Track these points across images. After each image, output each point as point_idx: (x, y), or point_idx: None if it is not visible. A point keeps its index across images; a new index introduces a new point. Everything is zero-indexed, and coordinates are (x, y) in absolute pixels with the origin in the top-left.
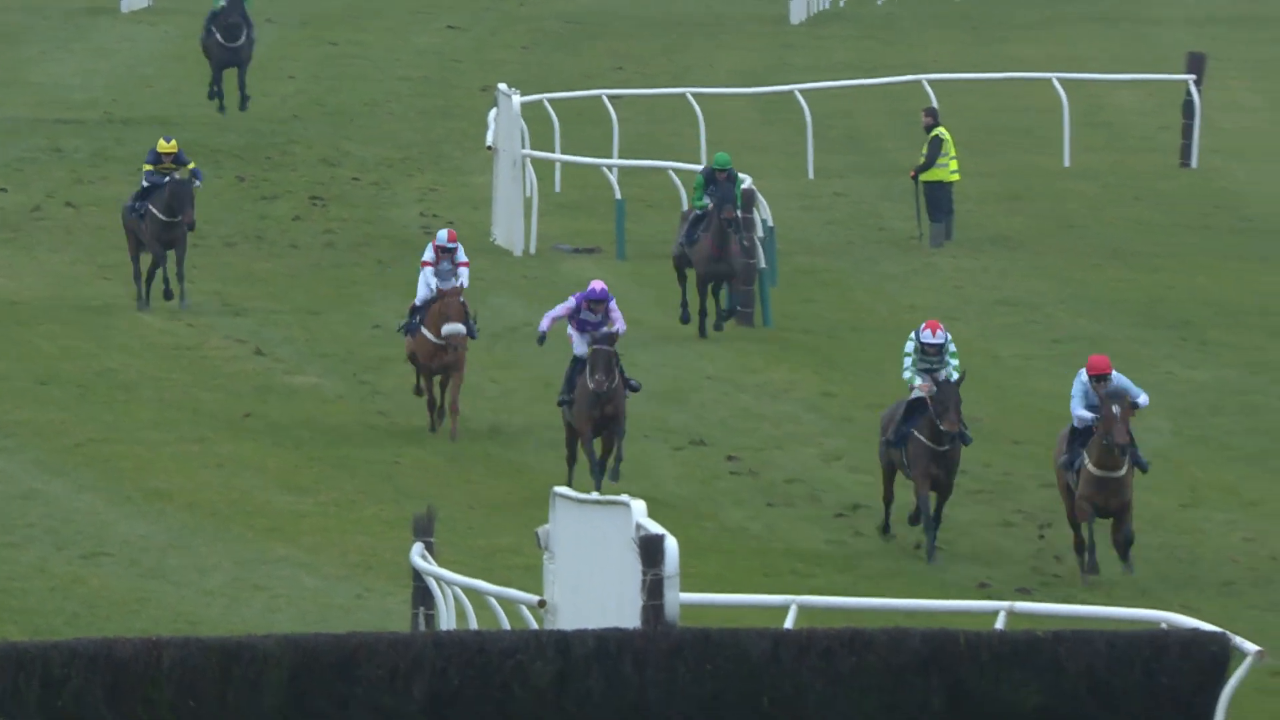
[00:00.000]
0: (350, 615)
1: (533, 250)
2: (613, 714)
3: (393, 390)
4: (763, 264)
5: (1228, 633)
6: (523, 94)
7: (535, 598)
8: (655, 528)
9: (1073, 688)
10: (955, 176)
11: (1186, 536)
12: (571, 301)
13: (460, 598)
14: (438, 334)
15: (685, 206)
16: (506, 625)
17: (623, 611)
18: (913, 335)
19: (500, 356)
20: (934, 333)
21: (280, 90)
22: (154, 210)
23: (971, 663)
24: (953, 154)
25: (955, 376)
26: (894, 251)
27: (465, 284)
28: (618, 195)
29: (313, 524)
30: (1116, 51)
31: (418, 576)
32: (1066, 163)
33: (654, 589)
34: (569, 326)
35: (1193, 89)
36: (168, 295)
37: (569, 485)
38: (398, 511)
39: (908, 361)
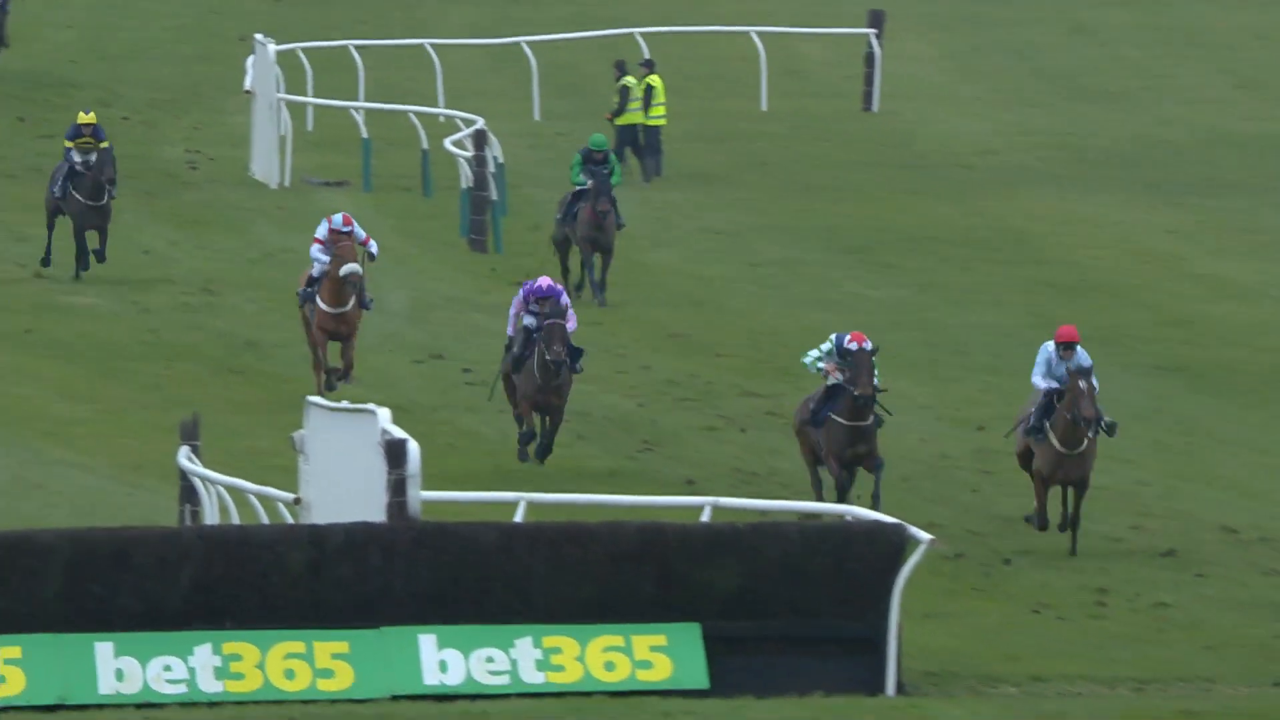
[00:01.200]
0: (122, 511)
1: (287, 183)
2: (361, 598)
3: (160, 309)
4: (494, 196)
5: (904, 523)
6: (276, 43)
7: (291, 495)
8: (399, 432)
9: (769, 572)
10: (660, 121)
11: None
12: (520, 293)
13: (223, 495)
14: (333, 303)
15: (425, 145)
16: (265, 520)
17: (370, 507)
18: (832, 337)
19: (258, 276)
20: (859, 344)
21: (59, 38)
22: (76, 195)
23: (679, 551)
24: (661, 99)
25: (870, 345)
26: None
27: (375, 253)
28: (364, 134)
29: (87, 429)
30: (806, 8)
31: (184, 476)
32: (763, 107)
33: (398, 487)
34: (526, 319)
35: (873, 42)
36: (97, 260)
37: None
38: (165, 418)
39: (815, 354)
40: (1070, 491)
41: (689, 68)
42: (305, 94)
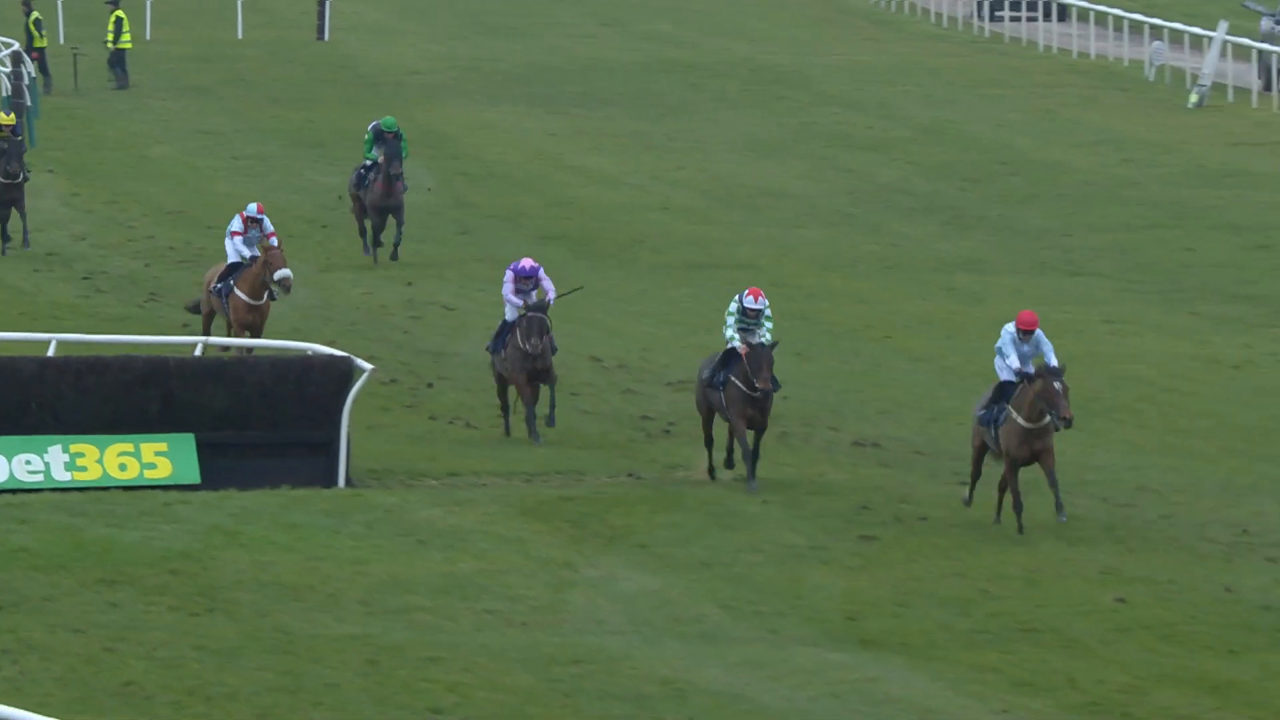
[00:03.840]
0: None
1: None
2: None
3: None
4: (29, 103)
5: (351, 356)
6: None
7: None
8: None
9: (248, 394)
10: (128, 45)
11: None
12: (509, 274)
13: None
14: (252, 295)
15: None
16: None
17: None
18: (736, 298)
19: None
20: (755, 299)
21: None
22: None
23: (178, 378)
24: (128, 29)
25: (768, 340)
26: (126, 96)
27: (275, 241)
28: None
29: None
30: None
31: None
32: (239, 35)
33: None
34: (514, 299)
35: None
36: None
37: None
38: None
39: (730, 320)
40: (1040, 471)
41: (180, 3)
42: None
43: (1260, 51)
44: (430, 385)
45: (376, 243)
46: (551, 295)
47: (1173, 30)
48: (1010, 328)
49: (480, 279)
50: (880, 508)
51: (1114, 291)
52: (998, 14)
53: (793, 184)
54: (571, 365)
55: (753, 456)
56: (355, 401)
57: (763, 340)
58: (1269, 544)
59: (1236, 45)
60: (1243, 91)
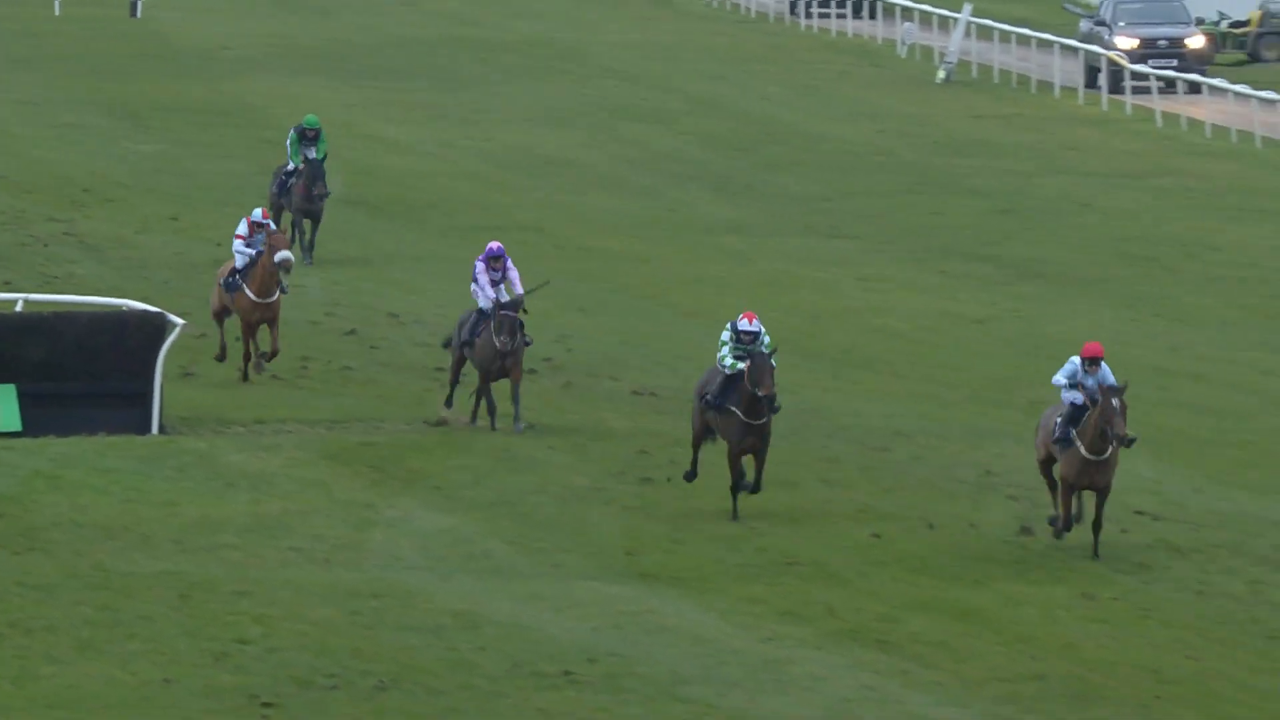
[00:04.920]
0: None
1: None
2: None
3: None
4: None
5: (165, 312)
6: None
7: None
8: None
9: (67, 347)
10: None
11: None
12: (479, 264)
13: None
14: (260, 293)
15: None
16: None
17: None
18: (729, 325)
19: None
20: (750, 322)
21: None
22: None
23: (0, 332)
24: None
25: (769, 349)
26: None
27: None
28: None
29: None
30: None
31: None
32: (57, 13)
33: None
34: (488, 289)
35: None
36: None
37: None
38: None
39: (725, 350)
40: (1093, 496)
41: None
42: None
43: (1085, 53)
44: (238, 339)
45: (303, 246)
46: (520, 290)
47: (923, 12)
48: (1076, 360)
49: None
50: (657, 452)
51: (869, 252)
52: (810, 10)
53: (575, 152)
54: (371, 321)
55: (754, 487)
56: (167, 354)
57: (763, 348)
58: (1010, 483)
59: (980, 26)
60: (985, 68)
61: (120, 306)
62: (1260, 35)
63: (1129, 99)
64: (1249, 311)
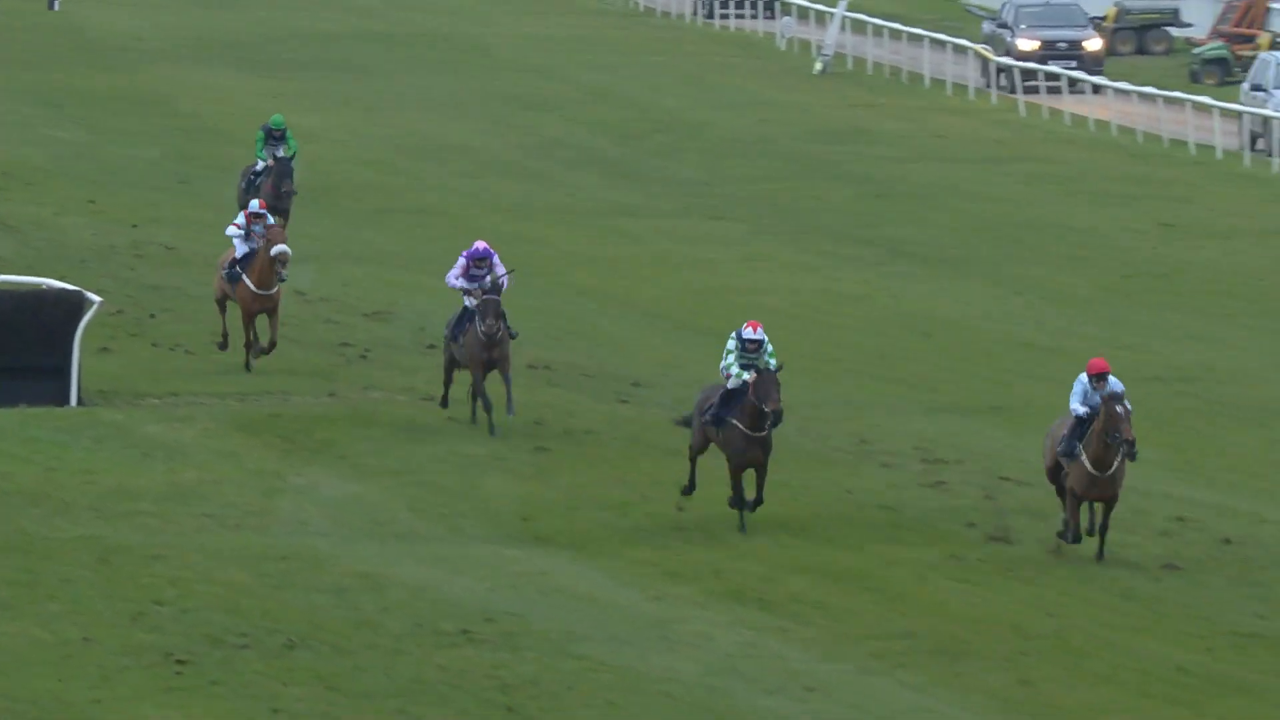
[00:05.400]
0: None
1: None
2: None
3: None
4: None
5: (82, 290)
6: None
7: None
8: None
9: None
10: None
11: None
12: (462, 260)
13: None
14: (260, 285)
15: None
16: None
17: None
18: (734, 335)
19: None
20: (755, 330)
21: None
22: None
23: None
24: None
25: (774, 365)
26: None
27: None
28: None
29: None
30: None
31: None
32: None
33: None
34: (459, 282)
35: None
36: None
37: (444, 406)
38: None
39: (730, 358)
40: (1099, 506)
41: None
42: None
43: (985, 57)
44: (153, 316)
45: None
46: (504, 278)
47: (800, 6)
48: (1084, 378)
49: (198, 223)
50: (552, 423)
51: (750, 233)
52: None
53: (474, 139)
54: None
55: (755, 503)
56: (86, 330)
57: (768, 364)
58: (884, 451)
59: (855, 20)
60: (860, 60)
61: (40, 285)
62: (1116, 30)
63: (994, 91)
64: (1106, 290)
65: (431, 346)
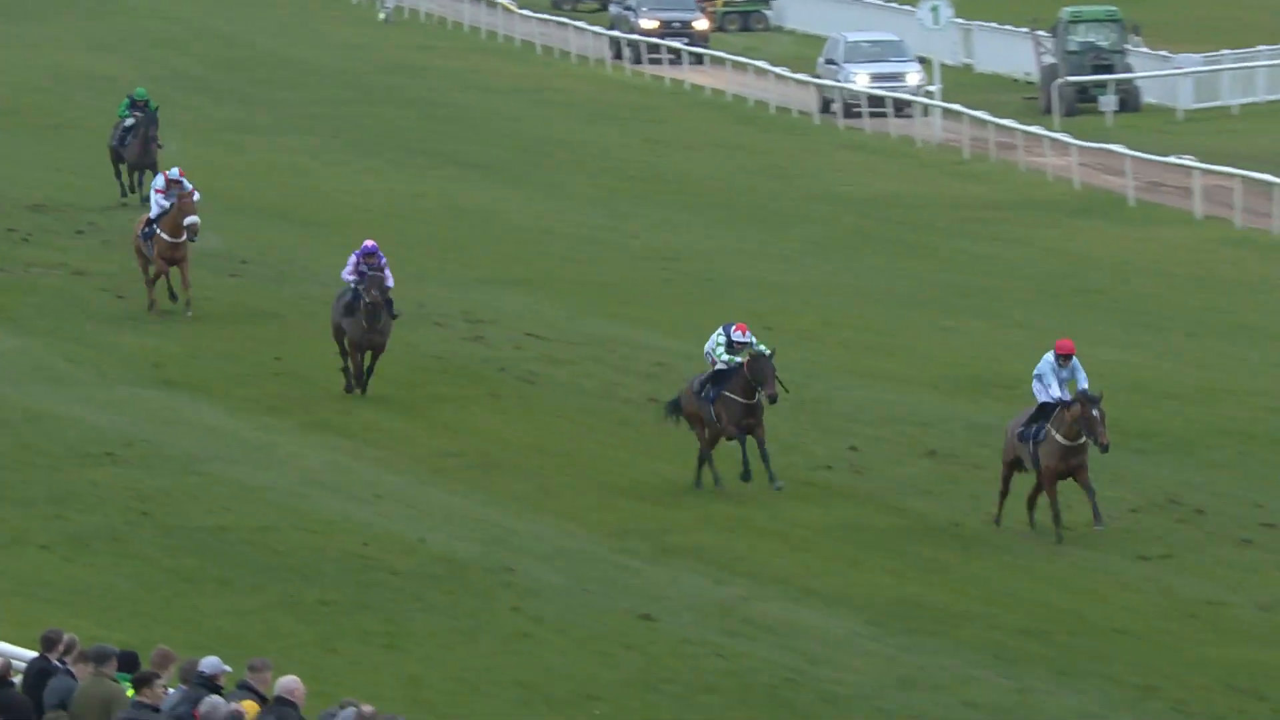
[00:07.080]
0: None
1: None
2: None
3: None
4: None
5: None
6: None
7: None
8: None
9: None
10: None
11: None
12: (353, 258)
13: None
14: (172, 234)
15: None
16: None
17: None
18: (722, 331)
19: None
20: (743, 334)
21: None
22: None
23: None
24: None
25: (768, 351)
26: None
27: (198, 198)
28: None
29: None
30: None
31: None
32: None
33: None
34: (352, 277)
35: None
36: None
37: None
38: None
39: (720, 350)
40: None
41: None
42: None
43: (613, 38)
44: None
45: (133, 190)
46: (390, 282)
47: None
48: (1050, 356)
49: None
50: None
51: (332, 146)
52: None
53: (116, 70)
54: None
55: (762, 458)
56: None
57: (761, 350)
58: (437, 314)
59: None
60: (415, 12)
61: None
62: (725, 14)
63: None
64: (602, 189)
65: (80, 232)
